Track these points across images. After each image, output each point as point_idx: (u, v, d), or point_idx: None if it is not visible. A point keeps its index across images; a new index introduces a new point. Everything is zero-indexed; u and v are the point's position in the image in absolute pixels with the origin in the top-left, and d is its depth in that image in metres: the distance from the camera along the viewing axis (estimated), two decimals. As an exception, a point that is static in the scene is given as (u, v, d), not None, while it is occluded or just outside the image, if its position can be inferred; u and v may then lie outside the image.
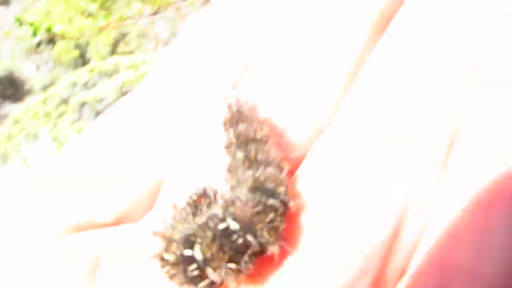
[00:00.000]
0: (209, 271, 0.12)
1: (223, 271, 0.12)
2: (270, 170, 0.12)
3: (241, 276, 0.13)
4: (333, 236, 0.13)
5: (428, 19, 0.15)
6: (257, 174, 0.12)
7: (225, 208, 0.12)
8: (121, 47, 4.77)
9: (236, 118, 0.13)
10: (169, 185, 0.14)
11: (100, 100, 3.91)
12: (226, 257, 0.12)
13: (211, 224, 0.12)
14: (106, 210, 0.17)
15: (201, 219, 0.12)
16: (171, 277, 0.14)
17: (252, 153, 0.13)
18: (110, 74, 4.09)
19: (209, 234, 0.12)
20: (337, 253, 0.13)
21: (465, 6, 0.14)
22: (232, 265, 0.12)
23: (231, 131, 0.13)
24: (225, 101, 0.12)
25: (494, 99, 0.14)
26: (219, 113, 0.12)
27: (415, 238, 0.14)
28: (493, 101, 0.14)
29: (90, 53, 4.64)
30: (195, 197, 0.12)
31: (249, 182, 0.12)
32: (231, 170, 0.13)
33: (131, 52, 4.52)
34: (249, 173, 0.12)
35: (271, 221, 0.12)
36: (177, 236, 0.12)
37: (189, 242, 0.12)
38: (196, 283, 0.12)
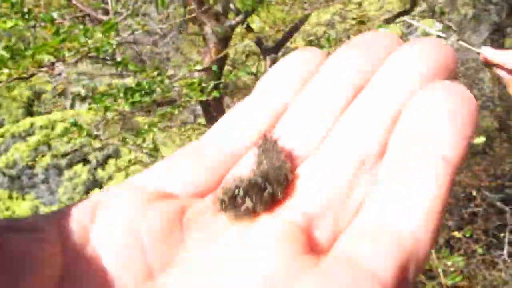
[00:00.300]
0: (247, 201, 0.23)
1: (254, 201, 0.23)
2: (280, 160, 0.24)
3: (262, 207, 0.23)
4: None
5: None
6: (272, 159, 0.24)
7: (255, 173, 0.24)
8: (36, 107, 4.59)
9: (263, 143, 0.25)
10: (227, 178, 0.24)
11: (13, 165, 3.70)
12: (255, 194, 0.23)
13: (248, 179, 0.23)
14: (187, 182, 0.25)
15: (242, 178, 0.23)
16: (225, 208, 0.23)
17: (270, 155, 0.24)
18: (24, 136, 3.91)
19: (247, 183, 0.23)
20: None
21: None
22: (258, 197, 0.23)
23: (260, 148, 0.25)
24: (261, 137, 0.25)
25: None
26: (258, 143, 0.24)
27: None
28: None
29: (2, 116, 4.42)
30: (238, 180, 0.23)
31: (267, 162, 0.24)
32: (257, 165, 0.24)
33: (47, 112, 4.36)
34: (268, 159, 0.24)
35: (278, 181, 0.23)
36: (231, 186, 0.23)
37: (237, 188, 0.23)
38: (239, 208, 0.23)
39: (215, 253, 0.21)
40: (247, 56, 1.80)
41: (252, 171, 0.24)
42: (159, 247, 0.22)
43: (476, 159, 2.25)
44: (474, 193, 2.14)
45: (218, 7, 1.60)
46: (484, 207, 2.26)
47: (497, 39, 2.40)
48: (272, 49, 1.71)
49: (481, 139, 1.01)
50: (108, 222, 0.22)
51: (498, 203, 2.26)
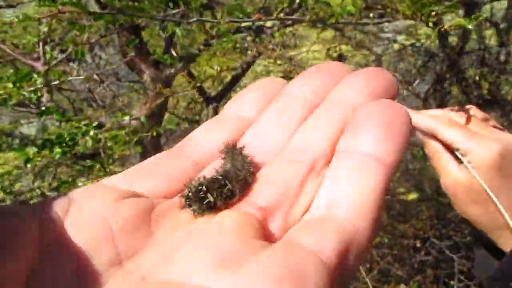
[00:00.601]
0: (209, 196, 0.25)
1: (215, 196, 0.25)
2: (239, 162, 0.27)
3: (222, 202, 0.25)
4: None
5: None
6: (234, 162, 0.27)
7: (218, 171, 0.27)
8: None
9: (229, 150, 0.28)
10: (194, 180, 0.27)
11: None
12: (216, 190, 0.25)
13: (210, 177, 0.26)
14: (156, 185, 0.28)
15: (206, 177, 0.26)
16: (190, 203, 0.25)
17: (233, 159, 0.27)
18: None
19: (209, 180, 0.26)
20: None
21: None
22: (219, 193, 0.25)
23: (225, 153, 0.28)
24: (226, 144, 0.29)
25: None
26: (225, 148, 0.28)
27: None
28: None
29: None
30: (202, 178, 0.26)
31: (229, 164, 0.27)
32: (221, 166, 0.27)
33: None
34: (230, 162, 0.27)
35: (238, 179, 0.26)
36: (196, 184, 0.26)
37: (200, 185, 0.26)
38: (202, 203, 0.25)
39: (178, 241, 0.24)
40: (189, 103, 1.76)
41: (215, 171, 0.27)
42: (128, 237, 0.24)
43: (421, 208, 2.26)
44: (420, 243, 2.13)
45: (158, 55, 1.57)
46: (433, 255, 2.25)
47: (439, 89, 2.47)
48: (214, 98, 1.68)
49: (413, 195, 1.00)
50: (81, 215, 0.25)
51: (447, 251, 2.25)
